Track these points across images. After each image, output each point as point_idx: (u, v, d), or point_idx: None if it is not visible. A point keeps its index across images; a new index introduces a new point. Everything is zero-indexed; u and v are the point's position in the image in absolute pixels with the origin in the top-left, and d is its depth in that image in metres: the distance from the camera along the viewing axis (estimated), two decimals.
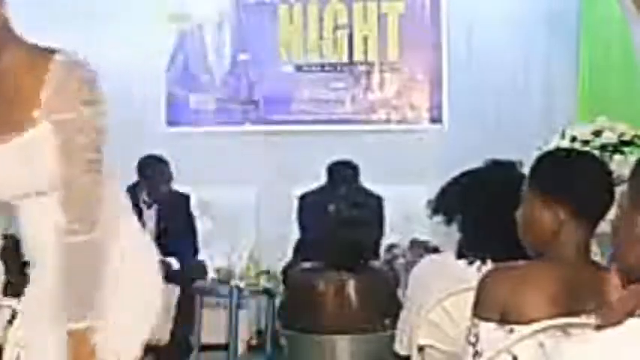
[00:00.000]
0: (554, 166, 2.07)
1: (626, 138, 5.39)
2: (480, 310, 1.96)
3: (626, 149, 5.22)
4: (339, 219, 4.44)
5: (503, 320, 1.91)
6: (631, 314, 1.70)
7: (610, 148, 5.36)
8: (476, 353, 1.94)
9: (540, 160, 2.10)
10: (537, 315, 1.87)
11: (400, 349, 2.80)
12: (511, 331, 1.89)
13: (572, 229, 1.99)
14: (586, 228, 2.00)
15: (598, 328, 1.70)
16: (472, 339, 1.95)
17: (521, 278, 1.96)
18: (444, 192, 2.75)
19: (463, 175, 2.72)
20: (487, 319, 1.93)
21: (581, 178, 2.01)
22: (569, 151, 2.23)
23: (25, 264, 2.43)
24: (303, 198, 5.75)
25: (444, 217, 2.71)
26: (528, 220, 2.04)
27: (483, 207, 2.53)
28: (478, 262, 2.52)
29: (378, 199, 5.70)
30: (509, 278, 1.97)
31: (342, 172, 5.56)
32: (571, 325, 1.84)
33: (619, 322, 1.60)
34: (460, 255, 2.60)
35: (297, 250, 5.68)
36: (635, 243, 1.45)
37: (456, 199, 2.67)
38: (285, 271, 5.37)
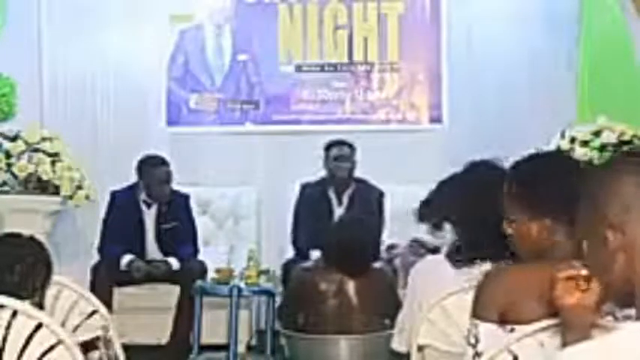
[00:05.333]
0: (531, 174, 2.07)
1: (626, 138, 5.40)
2: (479, 311, 1.96)
3: (625, 149, 5.23)
4: (343, 225, 4.43)
5: (503, 321, 1.91)
6: (591, 327, 1.72)
7: (610, 148, 5.37)
8: (476, 354, 1.94)
9: (517, 167, 2.11)
10: (537, 315, 1.87)
11: (399, 346, 2.80)
12: (512, 330, 1.89)
13: (563, 233, 1.99)
14: (572, 231, 1.99)
15: (564, 345, 1.72)
16: (472, 340, 1.95)
17: (519, 279, 1.96)
18: (428, 201, 2.77)
19: (445, 181, 2.73)
20: (487, 320, 1.93)
21: (558, 185, 2.00)
22: (544, 155, 2.19)
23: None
24: (304, 188, 5.76)
25: (431, 225, 2.73)
26: (518, 231, 2.05)
27: (469, 210, 2.53)
28: (466, 269, 2.52)
29: (380, 194, 5.71)
30: (507, 279, 1.97)
31: (341, 152, 5.60)
32: None
33: (584, 338, 1.61)
34: (450, 259, 2.59)
35: (294, 241, 5.67)
36: (611, 263, 1.39)
37: (441, 207, 2.68)
38: (285, 268, 5.38)
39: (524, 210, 2.03)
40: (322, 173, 5.75)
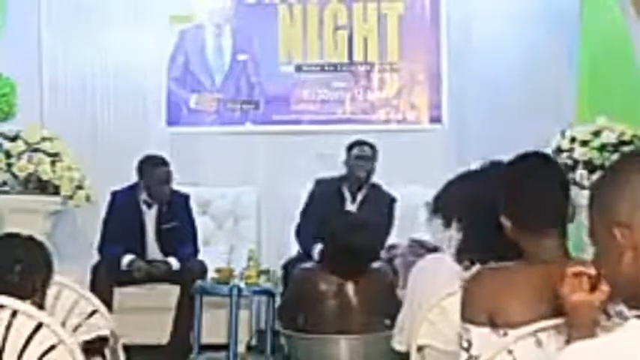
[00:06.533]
0: (501, 179, 2.09)
1: (626, 138, 5.40)
2: (468, 315, 1.95)
3: (625, 149, 5.22)
4: (346, 226, 4.41)
5: (493, 323, 1.90)
6: (596, 325, 1.73)
7: (609, 148, 5.37)
8: (470, 357, 1.93)
9: (507, 164, 2.12)
10: (525, 318, 1.87)
11: (399, 345, 2.80)
12: (505, 334, 1.89)
13: (532, 235, 2.00)
14: (554, 232, 1.99)
15: (568, 341, 1.72)
16: (464, 344, 1.94)
17: (506, 281, 1.96)
18: (441, 195, 2.76)
19: (461, 177, 2.73)
20: (478, 324, 1.93)
21: (523, 193, 2.02)
22: (527, 159, 2.18)
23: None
24: (318, 183, 5.74)
25: (442, 220, 2.72)
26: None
27: (482, 209, 2.53)
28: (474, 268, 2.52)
29: (392, 200, 5.70)
30: (493, 282, 1.97)
31: (362, 152, 5.60)
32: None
33: (590, 335, 1.61)
34: (459, 259, 2.59)
35: (298, 233, 5.66)
36: (618, 261, 1.38)
37: (454, 202, 2.67)
38: (285, 268, 5.37)
39: (501, 208, 2.06)
40: (322, 173, 5.75)
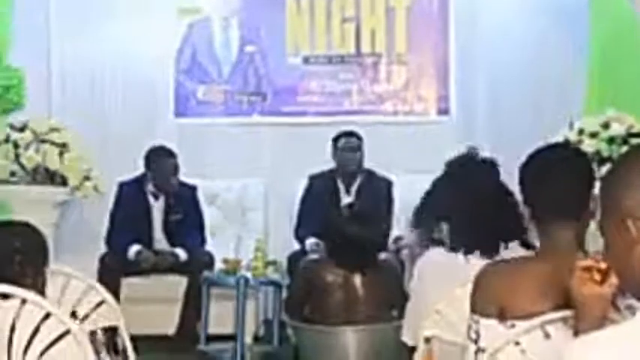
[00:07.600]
0: (525, 168, 2.09)
1: (635, 130, 5.38)
2: (478, 307, 1.96)
3: (634, 141, 5.21)
4: (350, 218, 4.41)
5: (502, 316, 1.91)
6: (605, 318, 1.72)
7: (618, 141, 5.35)
8: (478, 350, 1.93)
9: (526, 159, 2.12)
10: (534, 309, 1.87)
11: (408, 339, 2.81)
12: (512, 326, 1.89)
13: (546, 226, 2.00)
14: (568, 226, 1.98)
15: (576, 334, 1.72)
16: (473, 335, 1.95)
17: (515, 273, 1.96)
18: (421, 205, 2.79)
19: (440, 179, 2.75)
20: (487, 316, 1.93)
21: (541, 183, 2.02)
22: (547, 150, 2.16)
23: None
24: (312, 179, 5.76)
25: (427, 226, 2.76)
26: None
27: (467, 210, 2.54)
28: (462, 253, 2.55)
29: (389, 184, 5.71)
30: (504, 274, 1.97)
31: (349, 143, 5.62)
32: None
33: (598, 327, 1.61)
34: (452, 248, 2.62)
35: (297, 231, 5.67)
36: (629, 254, 1.36)
37: (441, 204, 2.70)
38: (291, 259, 5.38)
39: (523, 196, 2.07)
40: (330, 165, 5.75)
